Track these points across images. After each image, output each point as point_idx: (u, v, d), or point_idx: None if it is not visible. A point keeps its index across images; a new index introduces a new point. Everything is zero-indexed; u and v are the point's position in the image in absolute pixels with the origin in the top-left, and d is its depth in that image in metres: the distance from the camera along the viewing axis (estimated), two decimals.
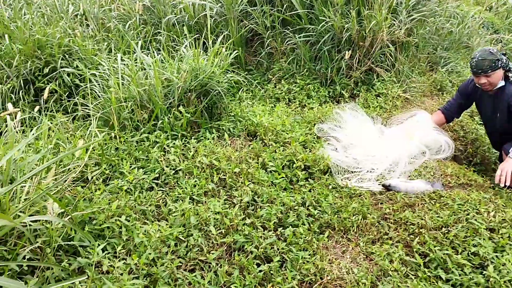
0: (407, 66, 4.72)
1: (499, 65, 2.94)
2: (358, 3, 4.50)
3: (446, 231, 2.39)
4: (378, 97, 4.34)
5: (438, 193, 2.79)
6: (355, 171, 3.09)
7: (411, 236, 2.41)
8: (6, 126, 2.94)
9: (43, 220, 1.99)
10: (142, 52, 3.84)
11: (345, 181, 2.95)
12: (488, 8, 8.61)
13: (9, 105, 2.93)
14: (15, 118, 2.95)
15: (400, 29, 4.47)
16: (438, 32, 5.48)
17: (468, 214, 2.50)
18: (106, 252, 2.08)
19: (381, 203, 2.77)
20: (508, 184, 2.82)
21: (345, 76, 4.54)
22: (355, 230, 2.51)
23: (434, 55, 5.24)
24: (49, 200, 2.14)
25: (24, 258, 1.89)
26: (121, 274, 1.89)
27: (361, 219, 2.57)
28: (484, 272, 2.09)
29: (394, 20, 4.51)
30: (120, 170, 2.83)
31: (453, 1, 6.89)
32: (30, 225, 1.97)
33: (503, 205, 2.60)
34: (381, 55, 4.52)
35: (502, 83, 3.03)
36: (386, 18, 4.35)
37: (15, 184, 1.81)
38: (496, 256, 2.18)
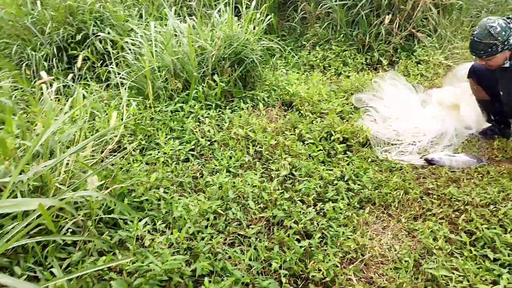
0: (450, 30, 4.46)
1: (499, 50, 2.39)
2: None
3: (494, 209, 2.28)
4: (418, 64, 4.13)
5: (485, 167, 2.66)
6: (395, 144, 2.98)
7: (456, 213, 2.32)
8: (42, 94, 2.94)
9: None
10: (174, 18, 3.74)
11: (385, 154, 2.85)
12: None
13: (43, 73, 2.91)
14: (50, 86, 2.94)
15: None
16: None
17: None
18: (146, 225, 2.08)
19: (423, 178, 2.67)
20: None
21: (384, 42, 4.34)
22: (396, 206, 2.43)
23: (479, 19, 4.93)
24: (88, 172, 2.14)
25: (67, 231, 1.91)
26: (162, 249, 1.89)
27: (402, 194, 2.48)
28: None
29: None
30: (155, 140, 2.81)
31: None
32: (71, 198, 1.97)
33: None
34: (422, 19, 4.28)
35: (508, 64, 2.49)
36: None
37: (59, 159, 1.80)
38: None
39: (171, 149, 2.68)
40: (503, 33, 2.36)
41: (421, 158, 2.82)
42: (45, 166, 1.84)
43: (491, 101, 2.86)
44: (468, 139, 3.04)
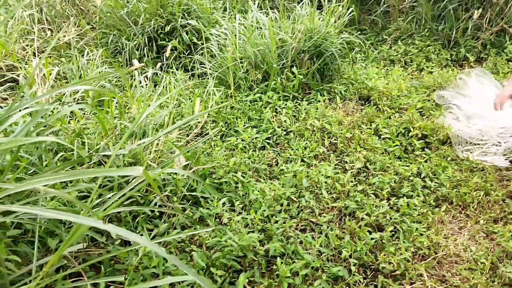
0: None
1: None
2: None
3: None
4: (509, 62, 3.89)
5: None
6: (478, 144, 2.86)
7: None
8: (134, 79, 3.21)
9: None
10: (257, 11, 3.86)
11: (467, 154, 2.75)
12: None
13: (135, 61, 3.17)
14: (140, 75, 3.20)
15: None
16: None
17: None
18: (224, 204, 2.22)
19: (507, 180, 2.55)
20: None
21: (472, 38, 4.13)
22: (475, 207, 2.35)
23: None
24: (176, 152, 2.33)
25: (155, 204, 2.10)
26: (239, 228, 2.02)
27: (482, 196, 2.39)
28: None
29: None
30: (235, 128, 2.96)
31: None
32: (160, 175, 2.16)
33: None
34: None
35: None
36: None
37: (152, 139, 1.99)
38: None
39: (249, 137, 2.81)
40: None
41: (506, 160, 2.69)
42: (139, 144, 2.04)
43: None
44: None
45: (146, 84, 3.54)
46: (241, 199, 2.28)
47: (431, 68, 3.99)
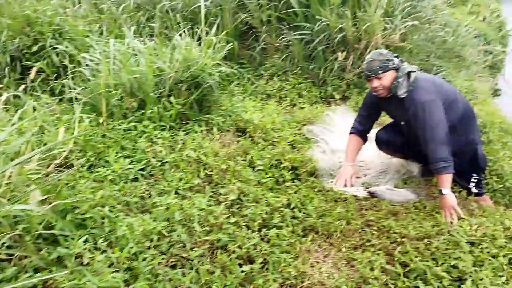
0: None
1: (390, 66, 2.69)
2: (354, 4, 4.49)
3: (428, 242, 2.41)
4: None
5: (423, 202, 2.82)
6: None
7: (393, 244, 2.43)
8: None
9: None
10: (134, 37, 3.77)
11: (331, 185, 2.96)
12: (482, 19, 8.70)
13: None
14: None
15: (395, 34, 4.48)
16: (432, 39, 5.50)
17: (451, 227, 2.52)
18: (87, 243, 2.04)
19: (366, 209, 2.78)
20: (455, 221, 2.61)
21: (338, 78, 4.54)
22: (338, 235, 2.51)
23: (427, 62, 5.26)
24: (32, 186, 2.09)
25: (2, 245, 1.85)
26: (102, 267, 1.86)
27: (345, 225, 2.57)
28: (462, 286, 2.12)
29: (389, 24, 4.52)
30: (105, 158, 2.78)
31: (448, 9, 6.94)
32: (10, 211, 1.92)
33: (485, 218, 2.64)
34: None
35: (394, 89, 2.73)
36: (381, 21, 4.35)
37: (2, 169, 1.76)
38: (475, 270, 2.21)
39: (120, 168, 2.66)
40: (389, 54, 2.74)
41: (365, 190, 2.95)
42: None
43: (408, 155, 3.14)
44: (409, 176, 3.21)
45: (6, 109, 3.19)
46: (107, 235, 2.12)
47: (303, 104, 4.28)
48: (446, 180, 2.63)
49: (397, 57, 2.79)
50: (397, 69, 2.73)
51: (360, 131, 3.09)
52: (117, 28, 4.62)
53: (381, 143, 3.14)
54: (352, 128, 3.12)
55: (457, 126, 2.78)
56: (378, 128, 3.21)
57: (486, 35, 8.16)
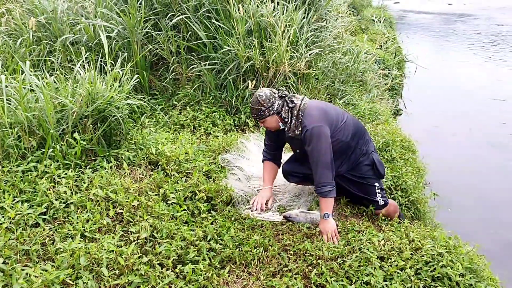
0: (308, 97, 4.94)
1: (267, 114, 2.79)
2: (260, 34, 4.65)
3: (341, 261, 2.48)
4: None
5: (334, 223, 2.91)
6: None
7: (310, 267, 2.46)
8: None
9: None
10: (35, 72, 3.54)
11: (247, 212, 2.95)
12: (379, 46, 9.44)
13: None
14: None
15: (301, 62, 4.69)
16: (335, 66, 5.85)
17: (361, 244, 2.62)
18: None
19: (282, 234, 2.80)
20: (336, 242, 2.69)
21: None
22: (256, 263, 2.50)
23: (332, 88, 5.57)
24: None
25: None
26: None
27: (262, 252, 2.57)
28: None
29: (295, 53, 4.73)
30: (0, 204, 2.53)
31: (349, 37, 7.45)
32: None
33: (392, 232, 2.78)
34: (283, 86, 4.68)
35: (282, 126, 2.87)
36: (286, 50, 4.53)
37: None
38: (386, 284, 2.30)
39: (17, 213, 2.43)
40: (268, 100, 2.79)
41: (280, 215, 2.98)
42: None
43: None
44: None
45: None
46: None
47: (217, 133, 4.28)
48: (330, 203, 2.77)
49: (282, 97, 2.84)
50: (278, 113, 2.83)
51: (271, 157, 3.17)
52: (15, 63, 4.31)
53: (287, 175, 3.23)
54: (263, 156, 3.20)
55: (351, 143, 2.95)
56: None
57: (384, 60, 8.87)
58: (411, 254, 2.53)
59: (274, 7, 4.89)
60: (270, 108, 2.79)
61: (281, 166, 3.25)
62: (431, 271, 2.41)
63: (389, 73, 8.06)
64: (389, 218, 3.08)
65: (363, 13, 13.09)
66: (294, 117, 2.81)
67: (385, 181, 3.68)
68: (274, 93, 2.84)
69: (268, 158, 3.17)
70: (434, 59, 12.10)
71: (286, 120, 2.84)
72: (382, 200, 3.09)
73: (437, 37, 16.07)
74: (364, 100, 5.55)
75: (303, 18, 5.21)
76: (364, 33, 11.06)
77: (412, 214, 3.76)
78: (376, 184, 3.08)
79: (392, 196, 3.71)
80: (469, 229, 4.34)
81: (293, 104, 2.82)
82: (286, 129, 2.88)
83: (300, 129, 2.79)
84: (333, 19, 6.33)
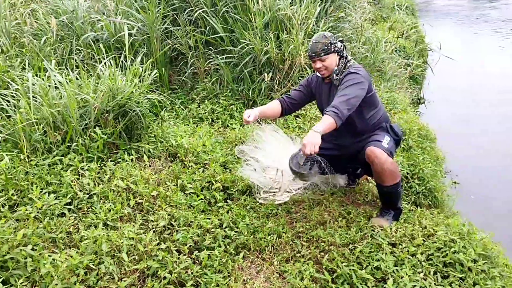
0: None
1: (333, 49, 2.81)
2: (276, 27, 4.70)
3: (353, 247, 2.54)
4: (297, 118, 4.52)
5: (348, 209, 2.96)
6: (272, 192, 3.19)
7: (322, 253, 2.54)
8: None
9: None
10: (59, 70, 3.70)
11: (263, 200, 3.04)
12: (400, 34, 9.32)
13: None
14: None
15: None
16: (353, 56, 5.84)
17: (373, 230, 2.68)
18: (8, 285, 1.96)
19: (295, 222, 2.88)
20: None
21: (266, 97, 4.69)
22: (270, 250, 2.59)
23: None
24: None
25: None
26: None
27: (276, 238, 2.65)
28: (385, 285, 2.25)
29: None
30: (29, 196, 2.69)
31: (369, 27, 7.40)
32: None
33: (403, 220, 2.82)
34: (299, 78, 4.73)
35: (336, 69, 2.87)
36: (303, 42, 4.57)
37: None
38: (396, 269, 2.35)
39: (44, 204, 2.59)
40: (332, 37, 2.85)
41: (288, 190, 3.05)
42: None
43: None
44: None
45: None
46: (30, 274, 2.05)
47: (234, 125, 4.37)
48: (328, 123, 2.56)
49: (341, 41, 2.93)
50: (338, 52, 2.87)
51: (286, 103, 3.16)
52: (40, 61, 4.50)
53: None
54: (281, 97, 3.20)
55: (379, 108, 2.96)
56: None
57: (405, 49, 8.76)
58: (423, 240, 2.57)
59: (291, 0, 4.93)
60: (336, 45, 2.83)
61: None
62: (442, 257, 2.44)
63: (410, 62, 7.97)
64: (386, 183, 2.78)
65: (384, 1, 12.91)
66: (342, 65, 2.86)
67: (401, 169, 3.70)
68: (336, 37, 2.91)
69: (281, 100, 3.17)
70: (460, 48, 11.59)
71: (341, 65, 2.87)
72: (387, 145, 2.81)
73: (465, 25, 15.49)
74: (382, 90, 5.54)
75: (321, 10, 5.22)
76: (385, 21, 10.93)
77: (430, 202, 3.76)
78: (387, 137, 2.88)
79: (409, 184, 3.73)
80: (493, 218, 4.30)
81: (347, 55, 2.90)
82: (334, 74, 2.87)
83: (343, 73, 2.82)
84: (351, 9, 6.31)
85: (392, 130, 2.94)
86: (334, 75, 2.88)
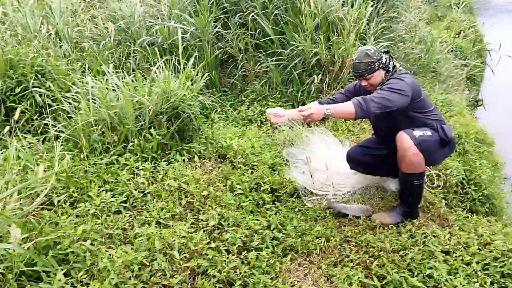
0: None
1: (377, 67, 2.75)
2: (327, 29, 4.66)
3: (403, 254, 2.48)
4: (346, 120, 4.47)
5: None
6: (321, 195, 3.18)
7: (371, 258, 2.50)
8: None
9: None
10: (116, 73, 3.88)
11: (312, 203, 3.04)
12: (457, 34, 8.94)
13: None
14: None
15: None
16: (407, 57, 5.68)
17: (425, 237, 2.60)
18: (69, 277, 2.09)
19: (344, 226, 2.85)
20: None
21: (315, 99, 4.65)
22: (317, 253, 2.58)
23: None
24: (13, 225, 2.15)
25: None
26: None
27: (324, 242, 2.64)
28: None
29: (362, 46, 4.68)
30: (88, 193, 2.85)
31: (424, 27, 7.17)
32: None
33: (458, 228, 2.72)
34: (350, 80, 4.67)
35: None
36: (354, 44, 4.51)
37: None
38: (450, 278, 2.27)
39: (102, 201, 2.72)
40: (376, 53, 2.76)
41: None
42: None
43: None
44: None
45: None
46: (89, 268, 2.17)
47: (283, 127, 4.37)
48: (346, 110, 2.59)
49: (386, 52, 2.85)
50: (384, 67, 2.80)
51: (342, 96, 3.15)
52: (98, 65, 4.74)
53: (351, 161, 3.22)
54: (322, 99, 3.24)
55: (430, 111, 2.86)
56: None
57: (462, 49, 8.40)
58: (479, 249, 2.47)
59: (343, 1, 4.88)
60: (380, 61, 2.77)
61: (348, 152, 3.23)
62: (500, 267, 2.33)
63: (467, 62, 7.63)
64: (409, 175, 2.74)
65: None
66: (389, 77, 2.79)
67: (457, 175, 3.56)
68: (379, 48, 2.83)
69: (323, 101, 3.18)
70: None
71: (387, 77, 2.80)
72: (419, 136, 2.70)
73: None
74: (436, 91, 5.35)
75: (372, 10, 5.13)
76: (441, 20, 10.53)
77: (487, 210, 3.60)
78: (428, 131, 2.77)
79: (464, 190, 3.59)
80: None
81: (394, 64, 2.84)
82: (378, 87, 2.79)
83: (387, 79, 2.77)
84: (405, 9, 6.14)
85: (442, 130, 2.81)
86: (379, 87, 2.79)
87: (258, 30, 5.08)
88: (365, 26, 4.84)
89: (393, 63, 2.84)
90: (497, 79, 7.67)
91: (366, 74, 2.78)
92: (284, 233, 2.67)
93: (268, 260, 2.40)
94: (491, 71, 7.44)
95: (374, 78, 2.79)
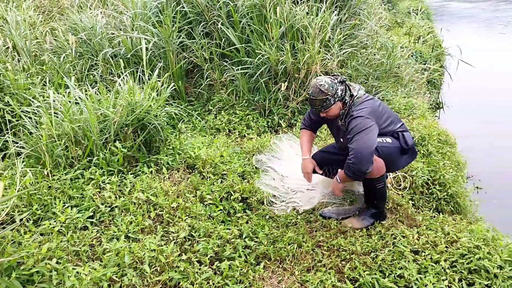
0: None
1: (332, 102, 2.72)
2: (292, 37, 4.72)
3: (374, 256, 2.52)
4: None
5: None
6: (290, 202, 3.19)
7: (343, 262, 2.52)
8: None
9: None
10: (78, 86, 3.79)
11: (282, 210, 3.04)
12: (416, 39, 9.24)
13: None
14: None
15: (333, 61, 4.73)
16: (369, 63, 5.81)
17: (395, 238, 2.65)
18: None
19: (315, 231, 2.87)
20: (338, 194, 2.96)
21: (283, 107, 4.71)
22: (290, 259, 2.58)
23: (366, 85, 5.54)
24: None
25: None
26: None
27: (296, 248, 2.65)
28: None
29: (327, 53, 4.76)
30: (52, 210, 2.75)
31: (385, 33, 7.37)
32: None
33: (425, 227, 2.78)
34: None
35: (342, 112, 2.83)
36: (319, 51, 4.58)
37: None
38: (420, 277, 2.32)
39: (67, 218, 2.64)
40: (331, 88, 2.71)
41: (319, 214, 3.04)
42: None
43: None
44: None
45: None
46: None
47: (251, 135, 4.39)
48: (348, 179, 2.77)
49: (342, 82, 2.79)
50: (341, 100, 2.77)
51: (310, 127, 3.22)
52: (60, 78, 4.61)
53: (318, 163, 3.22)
54: (302, 124, 3.24)
55: (389, 123, 2.88)
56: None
57: (422, 53, 8.68)
58: (446, 247, 2.53)
59: (308, 10, 4.95)
60: (335, 95, 2.72)
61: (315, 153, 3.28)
62: (467, 264, 2.40)
63: (427, 67, 7.89)
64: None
65: (398, 6, 12.86)
66: (347, 108, 2.78)
67: (422, 176, 3.65)
68: (334, 79, 2.77)
69: (307, 127, 3.21)
70: (479, 51, 11.31)
71: (345, 108, 2.79)
72: (378, 146, 2.75)
73: (484, 28, 15.18)
74: (399, 95, 5.49)
75: (336, 19, 5.23)
76: (400, 27, 10.87)
77: (452, 208, 3.70)
78: (387, 138, 2.84)
79: (430, 190, 3.68)
80: None
81: (351, 93, 2.80)
82: (338, 120, 2.84)
83: (348, 118, 2.75)
84: (366, 16, 6.29)
85: (403, 137, 2.86)
86: (339, 120, 2.84)
87: (223, 39, 5.08)
88: (329, 33, 4.92)
89: (349, 93, 2.81)
90: (456, 82, 7.96)
91: (322, 110, 2.77)
92: (256, 241, 2.66)
93: (241, 269, 2.38)
94: (450, 76, 7.71)
95: (332, 111, 2.79)
